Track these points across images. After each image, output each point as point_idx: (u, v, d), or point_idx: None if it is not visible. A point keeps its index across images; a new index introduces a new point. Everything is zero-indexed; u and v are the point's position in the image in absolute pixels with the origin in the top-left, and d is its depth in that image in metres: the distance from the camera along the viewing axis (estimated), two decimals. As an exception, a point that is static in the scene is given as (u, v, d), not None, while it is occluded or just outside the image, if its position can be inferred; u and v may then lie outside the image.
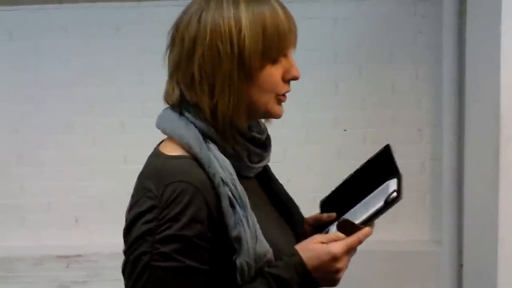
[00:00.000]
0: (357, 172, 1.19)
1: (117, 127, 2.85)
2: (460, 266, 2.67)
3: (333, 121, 2.81)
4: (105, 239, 2.78)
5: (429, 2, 2.74)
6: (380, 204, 1.11)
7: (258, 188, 1.20)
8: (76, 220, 2.88)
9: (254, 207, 1.07)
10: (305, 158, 2.78)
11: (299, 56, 2.77)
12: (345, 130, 2.71)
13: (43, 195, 2.88)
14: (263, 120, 1.20)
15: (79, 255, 2.71)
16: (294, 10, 2.68)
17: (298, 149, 2.83)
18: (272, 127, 2.74)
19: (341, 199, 1.17)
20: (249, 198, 1.07)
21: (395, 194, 1.11)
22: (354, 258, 2.80)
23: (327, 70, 2.81)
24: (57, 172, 2.87)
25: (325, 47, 2.80)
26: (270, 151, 1.19)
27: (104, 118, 2.85)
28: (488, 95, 2.20)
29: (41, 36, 2.84)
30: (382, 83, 2.81)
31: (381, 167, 1.15)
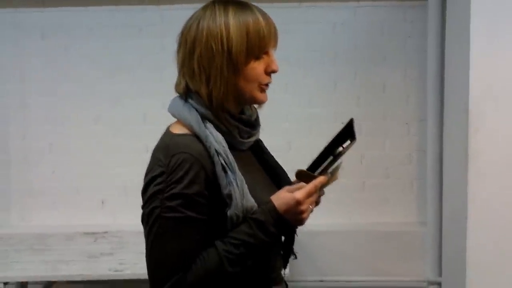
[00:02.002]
0: (329, 143, 1.30)
1: (139, 119, 3.07)
2: (441, 244, 2.85)
3: (332, 116, 3.00)
4: (128, 219, 2.89)
5: (417, 9, 2.96)
6: (330, 158, 1.29)
7: (252, 158, 1.44)
8: (102, 203, 3.13)
9: (246, 173, 1.30)
10: (308, 149, 2.69)
11: (303, 56, 3.10)
12: (342, 123, 2.82)
13: (72, 180, 3.12)
14: (256, 106, 1.41)
15: (105, 232, 2.95)
16: (299, 16, 3.02)
17: (301, 140, 3.01)
18: (278, 121, 3.07)
19: (315, 164, 1.31)
20: (243, 167, 1.30)
21: (341, 148, 1.28)
22: (349, 237, 3.11)
23: (327, 70, 3.02)
24: (85, 160, 3.11)
25: (325, 49, 3.02)
26: (259, 129, 1.41)
27: (128, 110, 3.08)
28: (460, 91, 2.41)
29: (70, 35, 3.06)
30: (375, 82, 3.01)
31: (345, 135, 1.29)
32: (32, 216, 3.17)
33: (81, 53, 3.09)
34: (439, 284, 2.93)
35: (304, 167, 1.28)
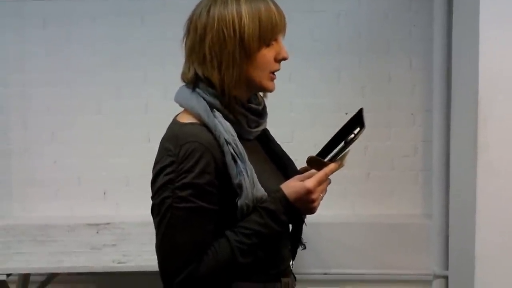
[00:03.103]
0: (339, 130, 1.32)
1: (141, 108, 3.09)
2: (447, 237, 2.86)
3: (336, 106, 3.00)
4: (130, 210, 3.04)
5: (421, -2, 2.95)
6: (342, 144, 1.29)
7: (259, 147, 1.45)
8: (104, 193, 3.16)
9: (254, 162, 1.30)
10: (312, 139, 2.85)
11: (307, 46, 3.10)
12: (346, 114, 2.84)
13: (74, 171, 3.14)
14: (261, 94, 1.42)
15: (108, 223, 2.96)
16: (303, 5, 3.03)
17: (305, 130, 3.02)
18: (282, 111, 3.09)
19: (324, 152, 1.33)
20: (250, 156, 1.29)
21: (352, 135, 1.28)
22: (353, 229, 3.12)
23: (331, 60, 3.02)
24: (87, 150, 3.13)
25: (329, 39, 3.02)
26: (266, 118, 1.42)
27: (130, 100, 3.09)
28: (469, 80, 2.41)
29: (72, 24, 3.07)
30: (380, 72, 3.01)
31: (355, 124, 1.31)
32: (34, 206, 3.19)
33: (82, 42, 3.10)
34: (446, 277, 2.94)
35: (311, 155, 1.28)
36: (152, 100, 3.08)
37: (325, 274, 3.05)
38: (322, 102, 3.05)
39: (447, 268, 2.92)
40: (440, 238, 2.94)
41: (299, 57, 2.99)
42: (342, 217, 3.06)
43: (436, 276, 2.97)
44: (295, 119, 3.05)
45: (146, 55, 3.08)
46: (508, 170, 2.33)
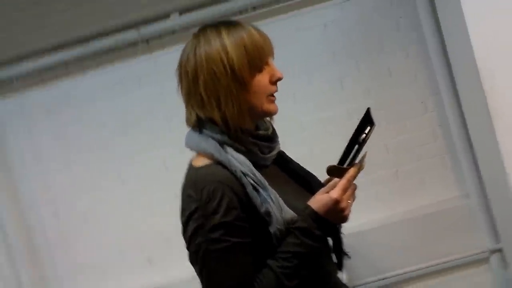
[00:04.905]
0: (352, 135, 1.34)
1: (161, 169, 3.13)
2: (490, 210, 2.90)
3: (345, 113, 3.02)
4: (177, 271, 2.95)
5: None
6: (356, 146, 1.32)
7: (278, 171, 1.48)
8: (149, 261, 3.19)
9: (277, 186, 1.32)
10: (330, 151, 2.60)
11: (303, 63, 3.14)
12: (358, 119, 2.91)
13: (114, 246, 3.21)
14: (268, 119, 1.45)
15: None
16: (288, 25, 3.08)
17: (322, 145, 3.01)
18: (294, 132, 3.10)
19: (343, 159, 1.34)
20: (271, 181, 1.32)
21: (364, 135, 1.32)
22: (396, 228, 3.09)
23: (330, 70, 3.05)
24: (121, 222, 3.18)
25: (323, 51, 3.06)
26: (278, 141, 1.45)
27: (148, 163, 3.15)
28: (465, 55, 2.47)
29: (75, 104, 3.17)
30: (380, 70, 3.04)
31: (365, 124, 1.34)
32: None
33: (89, 119, 3.19)
34: (500, 250, 2.96)
35: (330, 164, 1.31)
36: (169, 158, 3.13)
37: (384, 279, 3.06)
38: (331, 113, 3.08)
39: (499, 240, 2.93)
40: (483, 214, 2.96)
41: (298, 76, 3.06)
42: (382, 220, 3.08)
43: (492, 251, 2.98)
44: (309, 136, 3.08)
45: (152, 114, 3.15)
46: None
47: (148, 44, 3.06)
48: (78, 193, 3.23)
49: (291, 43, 3.07)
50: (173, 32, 3.02)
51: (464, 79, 2.69)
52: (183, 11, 2.99)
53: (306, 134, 3.09)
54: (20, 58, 3.08)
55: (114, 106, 3.18)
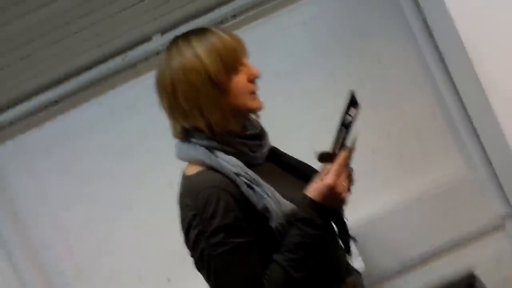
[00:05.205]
0: (339, 121, 1.37)
1: (167, 189, 2.90)
2: (497, 178, 2.92)
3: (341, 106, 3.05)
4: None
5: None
6: (344, 130, 1.34)
7: (273, 166, 1.51)
8: (169, 280, 3.20)
9: (273, 181, 1.35)
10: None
11: (291, 63, 3.10)
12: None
13: (132, 272, 3.19)
14: (255, 117, 1.48)
15: None
16: (268, 28, 3.08)
17: (324, 140, 3.00)
18: (295, 131, 3.05)
19: (334, 144, 1.37)
20: (267, 177, 1.35)
21: (349, 117, 1.34)
22: (408, 211, 3.07)
23: (320, 66, 3.03)
24: (138, 248, 3.17)
25: (308, 48, 3.04)
26: (267, 138, 1.48)
27: (154, 186, 3.13)
28: (447, 28, 2.46)
29: (74, 140, 3.15)
30: (368, 58, 3.02)
31: (350, 107, 1.37)
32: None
33: (88, 151, 3.17)
34: (514, 214, 2.97)
35: (320, 151, 1.34)
36: (173, 175, 3.09)
37: (404, 263, 3.07)
38: (328, 109, 2.96)
39: (510, 206, 2.96)
40: (492, 182, 2.97)
41: (288, 77, 3.05)
42: (393, 205, 3.07)
43: (505, 216, 3.00)
44: (310, 134, 3.05)
45: (149, 138, 3.13)
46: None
47: (136, 68, 3.07)
48: (89, 226, 3.22)
49: (274, 45, 3.05)
50: (157, 53, 3.02)
51: (451, 53, 2.69)
52: (164, 31, 3.00)
53: (306, 131, 3.07)
54: (11, 103, 3.09)
55: (113, 135, 3.17)
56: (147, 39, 3.02)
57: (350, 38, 3.06)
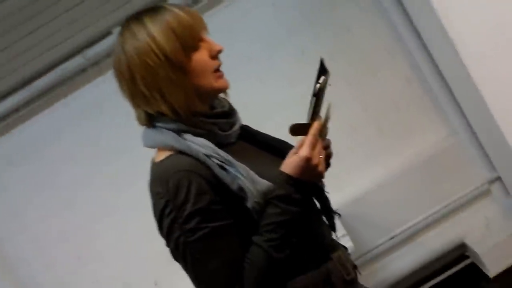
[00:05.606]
0: (312, 93, 1.31)
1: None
2: (480, 143, 2.91)
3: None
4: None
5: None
6: (314, 99, 1.29)
7: (247, 145, 1.44)
8: (156, 284, 3.12)
9: (247, 160, 1.30)
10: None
11: (260, 45, 3.04)
12: (330, 85, 2.90)
13: (117, 278, 3.11)
14: (222, 95, 1.41)
15: None
16: (234, 11, 2.98)
17: (304, 120, 2.99)
18: (273, 113, 3.00)
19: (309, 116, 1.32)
20: (240, 156, 1.30)
21: (318, 85, 1.28)
22: (393, 184, 3.07)
23: (289, 44, 2.96)
24: (125, 253, 3.10)
25: (277, 27, 2.96)
26: (237, 116, 1.43)
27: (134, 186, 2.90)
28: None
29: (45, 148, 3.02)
30: (337, 29, 2.96)
31: (321, 76, 1.31)
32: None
33: (57, 158, 3.06)
34: (499, 178, 2.97)
35: (292, 123, 1.28)
36: None
37: (392, 238, 3.04)
38: (303, 86, 2.95)
39: (495, 170, 2.95)
40: (474, 148, 2.97)
41: (259, 58, 2.96)
42: (378, 179, 3.02)
43: (491, 181, 3.00)
44: (289, 114, 2.84)
45: (122, 137, 2.91)
46: (494, 51, 2.40)
47: (99, 65, 2.95)
48: (66, 236, 3.10)
49: (241, 28, 2.95)
50: (119, 47, 2.90)
51: (421, 16, 2.68)
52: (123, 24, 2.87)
53: (285, 112, 2.90)
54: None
55: (82, 138, 3.04)
56: (107, 34, 2.88)
57: (317, 11, 2.99)
